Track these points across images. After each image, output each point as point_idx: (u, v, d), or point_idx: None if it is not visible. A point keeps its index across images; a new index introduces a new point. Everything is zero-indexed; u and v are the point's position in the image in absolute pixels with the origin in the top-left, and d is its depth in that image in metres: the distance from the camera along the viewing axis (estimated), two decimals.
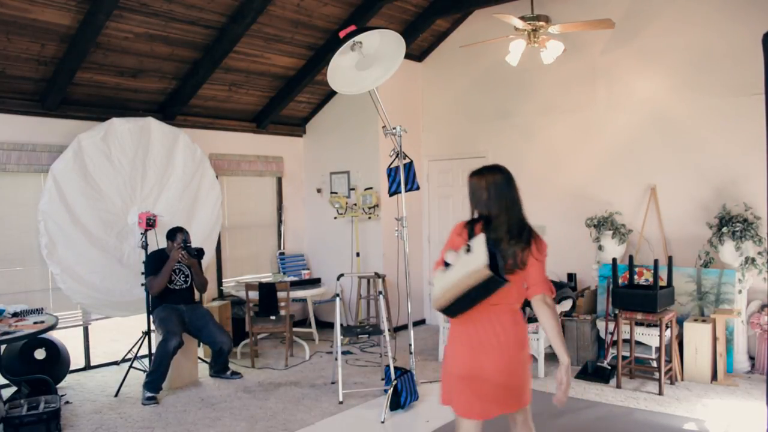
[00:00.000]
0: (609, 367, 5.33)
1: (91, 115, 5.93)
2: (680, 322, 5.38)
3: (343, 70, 4.48)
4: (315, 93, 7.56)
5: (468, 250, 2.49)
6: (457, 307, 2.53)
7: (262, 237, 7.74)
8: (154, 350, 5.30)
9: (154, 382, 5.06)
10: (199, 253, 5.59)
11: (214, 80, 6.39)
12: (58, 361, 5.42)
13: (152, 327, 5.53)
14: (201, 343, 5.88)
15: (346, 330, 5.61)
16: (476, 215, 2.71)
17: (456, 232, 2.69)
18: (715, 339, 5.16)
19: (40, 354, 5.29)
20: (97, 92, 5.91)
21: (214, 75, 6.26)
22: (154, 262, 5.41)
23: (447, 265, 2.55)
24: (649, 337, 5.29)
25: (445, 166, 7.66)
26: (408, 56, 6.92)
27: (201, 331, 5.50)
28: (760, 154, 4.16)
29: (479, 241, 2.47)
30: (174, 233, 5.54)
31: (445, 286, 2.52)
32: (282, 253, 7.78)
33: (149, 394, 5.02)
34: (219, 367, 5.68)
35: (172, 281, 5.49)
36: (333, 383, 5.28)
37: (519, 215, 2.66)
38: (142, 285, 5.48)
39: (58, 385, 5.34)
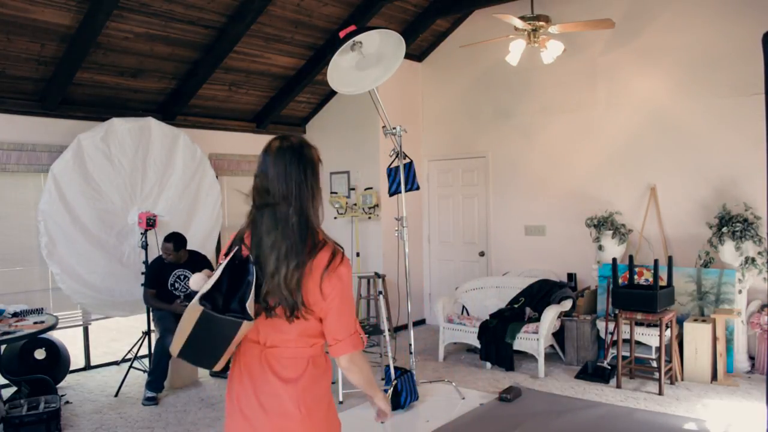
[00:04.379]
0: (609, 367, 5.33)
1: (91, 115, 5.93)
2: (680, 322, 5.37)
3: (343, 70, 4.48)
4: (315, 93, 7.56)
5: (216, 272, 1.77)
6: (192, 354, 1.77)
7: None
8: (153, 350, 5.31)
9: (155, 381, 5.06)
10: None
11: (214, 80, 6.39)
12: (58, 361, 5.42)
13: (152, 327, 5.53)
14: None
15: None
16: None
17: (225, 247, 1.88)
18: (715, 339, 5.16)
19: (40, 354, 5.29)
20: (97, 92, 5.91)
21: (214, 75, 6.26)
22: (152, 273, 5.38)
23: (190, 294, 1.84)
24: (649, 337, 5.29)
25: (445, 166, 7.66)
26: (408, 56, 6.92)
27: None
28: (760, 154, 4.16)
29: (225, 261, 1.78)
30: (176, 245, 5.32)
31: (179, 326, 1.77)
32: None
33: (150, 394, 5.03)
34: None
35: (176, 288, 5.45)
36: (333, 383, 5.27)
37: (293, 228, 1.72)
38: (142, 285, 5.48)
39: (58, 385, 5.34)
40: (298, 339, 1.79)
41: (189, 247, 5.59)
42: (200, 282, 1.79)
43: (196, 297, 1.71)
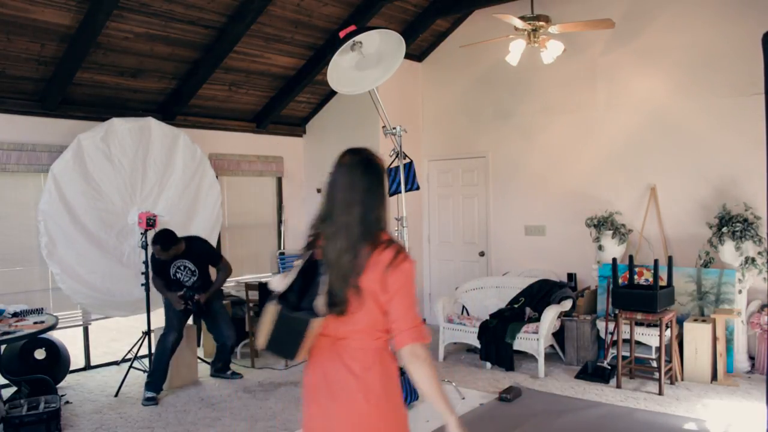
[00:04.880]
0: (609, 367, 5.33)
1: (91, 115, 5.93)
2: (680, 322, 5.37)
3: (343, 70, 4.48)
4: (315, 93, 7.56)
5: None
6: (275, 347, 1.93)
7: (262, 237, 7.74)
8: (154, 349, 5.30)
9: (154, 381, 5.06)
10: (197, 304, 5.30)
11: (214, 80, 6.39)
12: (58, 361, 5.42)
13: (152, 327, 5.53)
14: (201, 342, 5.88)
15: None
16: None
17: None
18: (715, 339, 5.16)
19: (40, 354, 5.29)
20: (97, 92, 5.91)
21: (214, 75, 6.26)
22: (154, 266, 5.35)
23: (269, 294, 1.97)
24: (649, 337, 5.29)
25: (445, 166, 7.66)
26: (408, 56, 6.91)
27: (211, 321, 5.53)
28: (760, 154, 4.15)
29: (299, 263, 1.94)
30: (164, 245, 5.13)
31: (260, 322, 1.93)
32: (282, 253, 7.78)
33: (149, 395, 5.02)
34: (221, 365, 5.68)
35: (179, 279, 5.38)
36: None
37: (358, 228, 1.88)
38: (142, 285, 5.48)
39: (58, 385, 5.33)
40: (364, 331, 1.91)
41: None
42: (278, 283, 1.95)
43: (273, 297, 1.90)
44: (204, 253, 5.50)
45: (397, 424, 1.97)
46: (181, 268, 5.40)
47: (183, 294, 5.26)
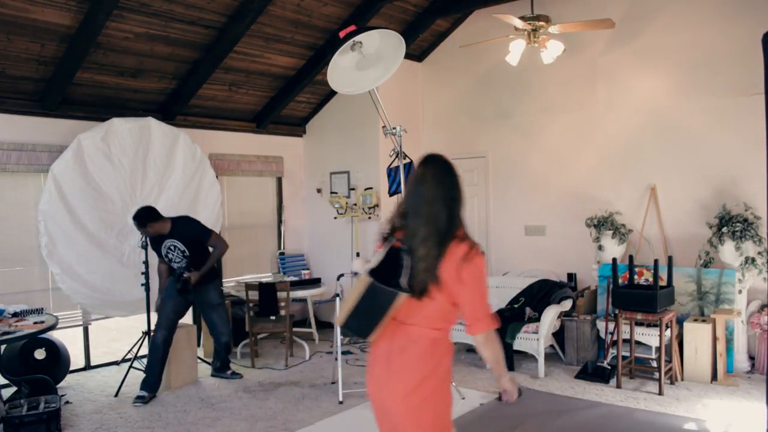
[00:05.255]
0: (609, 367, 5.33)
1: (91, 115, 5.93)
2: (680, 322, 5.37)
3: (343, 70, 4.48)
4: (315, 93, 7.56)
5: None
6: (355, 323, 2.19)
7: (262, 237, 7.74)
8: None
9: (146, 379, 5.07)
10: (185, 285, 5.15)
11: (214, 80, 6.39)
12: (58, 361, 5.42)
13: (152, 327, 5.52)
14: (201, 342, 5.87)
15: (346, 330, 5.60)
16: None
17: (377, 245, 2.31)
18: (715, 339, 5.16)
19: (40, 354, 5.29)
20: (97, 92, 5.91)
21: (214, 75, 6.26)
22: (152, 248, 5.32)
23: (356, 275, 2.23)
24: (649, 337, 5.29)
25: None
26: (408, 56, 6.91)
27: (205, 312, 5.49)
28: (760, 154, 4.15)
29: (382, 249, 2.21)
30: (140, 223, 5.05)
31: (344, 300, 2.26)
32: (282, 253, 7.78)
33: (140, 393, 5.03)
34: (219, 365, 5.67)
35: (170, 259, 5.28)
36: (333, 383, 5.28)
37: (438, 218, 2.14)
38: (142, 285, 5.47)
39: (58, 385, 5.33)
40: (429, 320, 2.16)
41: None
42: (360, 265, 2.25)
43: (365, 271, 2.16)
44: (191, 232, 5.25)
45: (444, 408, 2.23)
46: (172, 248, 5.24)
47: (177, 274, 5.18)
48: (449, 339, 2.27)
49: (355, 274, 2.24)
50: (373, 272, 2.15)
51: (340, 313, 2.23)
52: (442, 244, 2.11)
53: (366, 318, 2.17)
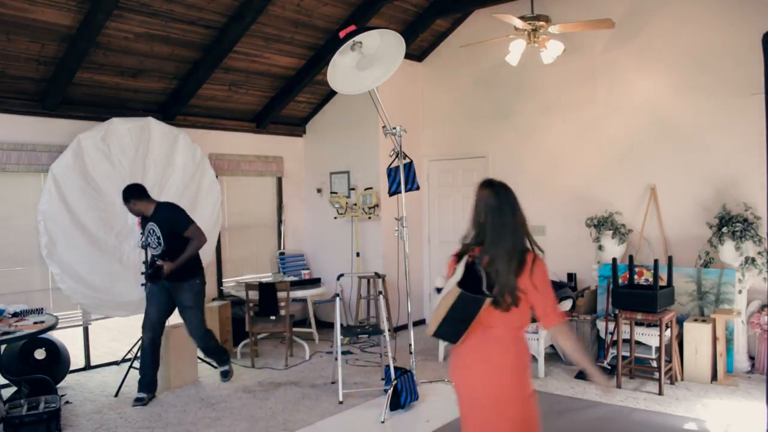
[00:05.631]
0: (609, 367, 5.33)
1: (91, 115, 5.93)
2: (680, 322, 5.37)
3: (343, 70, 4.48)
4: (315, 93, 7.56)
5: (455, 273, 2.52)
6: (445, 330, 2.51)
7: (262, 237, 7.74)
8: None
9: (141, 381, 5.05)
10: (156, 272, 4.98)
11: (214, 80, 6.39)
12: (58, 361, 5.42)
13: None
14: None
15: (346, 330, 5.61)
16: (472, 234, 2.61)
17: (450, 263, 2.66)
18: (715, 339, 5.16)
19: (40, 354, 5.29)
20: (97, 92, 5.91)
21: (214, 75, 6.26)
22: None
23: (439, 291, 2.59)
24: (649, 337, 5.29)
25: (445, 166, 7.66)
26: (408, 56, 6.92)
27: (182, 316, 5.18)
28: (760, 154, 4.15)
29: (462, 263, 2.51)
30: (123, 198, 5.02)
31: (433, 311, 2.55)
32: (282, 253, 7.78)
33: (137, 396, 5.01)
34: (214, 360, 5.50)
35: (148, 243, 5.09)
36: (333, 383, 5.28)
37: (513, 239, 2.50)
38: (142, 285, 5.48)
39: (58, 385, 5.33)
40: (509, 325, 2.50)
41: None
42: (442, 282, 2.47)
43: (454, 284, 2.45)
44: (169, 218, 5.00)
45: (525, 393, 2.54)
46: (150, 232, 5.01)
47: (150, 260, 5.04)
48: (525, 339, 2.64)
49: (438, 290, 2.55)
50: (460, 284, 2.44)
51: (431, 323, 2.53)
52: (519, 261, 2.46)
53: (456, 324, 2.48)
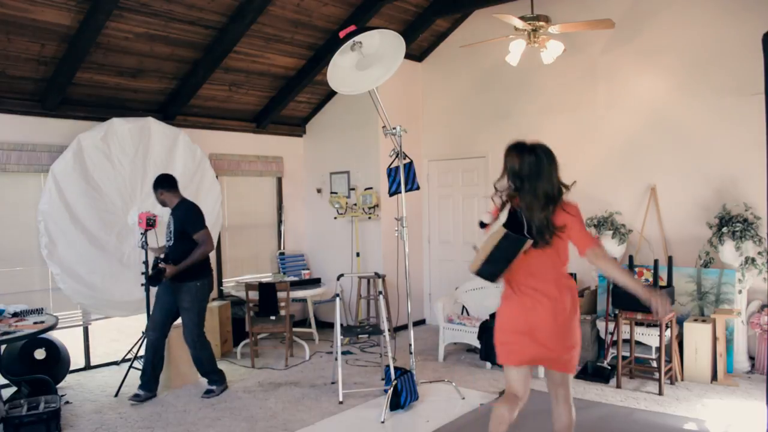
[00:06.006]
0: (609, 367, 5.33)
1: (91, 115, 5.93)
2: (680, 322, 5.38)
3: (343, 70, 4.48)
4: (315, 93, 7.56)
5: (498, 216, 2.86)
6: (487, 269, 2.86)
7: (262, 237, 7.74)
8: None
9: (141, 377, 5.07)
10: (158, 274, 4.93)
11: (214, 80, 6.39)
12: (58, 361, 5.42)
13: None
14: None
15: (346, 330, 5.61)
16: (510, 186, 2.96)
17: (494, 209, 3.03)
18: (715, 339, 5.16)
19: (40, 354, 5.29)
20: (97, 92, 5.91)
21: (214, 75, 6.26)
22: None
23: (482, 225, 2.94)
24: (649, 337, 5.29)
25: (445, 166, 7.66)
26: (408, 56, 6.92)
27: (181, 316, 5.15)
28: (760, 154, 4.15)
29: (505, 210, 2.84)
30: (153, 185, 5.13)
31: (477, 251, 2.88)
32: (282, 253, 7.78)
33: (136, 392, 5.03)
34: (199, 372, 5.33)
35: (166, 234, 5.12)
36: (333, 383, 5.28)
37: (547, 188, 2.89)
38: (142, 285, 5.48)
39: (58, 385, 5.33)
40: (554, 269, 2.92)
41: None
42: (488, 217, 2.92)
43: (499, 225, 2.79)
44: (183, 216, 5.03)
45: (578, 329, 2.99)
46: (169, 224, 5.10)
47: (153, 262, 5.04)
48: (570, 278, 3.04)
49: (482, 223, 2.92)
50: (505, 225, 2.75)
51: (475, 261, 2.87)
52: (555, 204, 2.88)
53: (498, 264, 2.83)
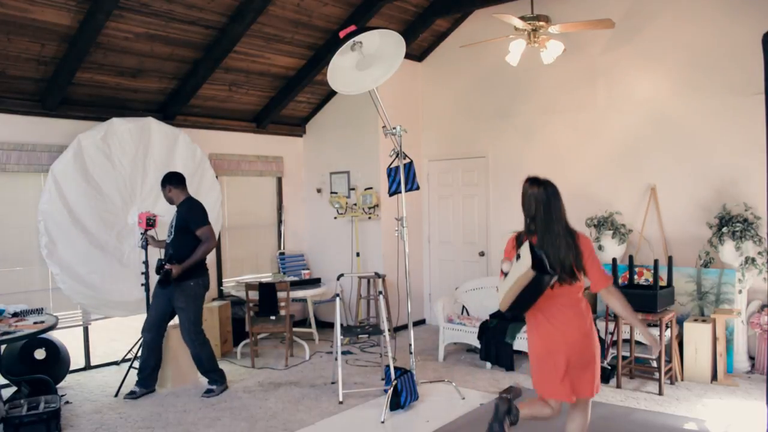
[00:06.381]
0: (609, 367, 5.32)
1: (91, 115, 5.93)
2: (680, 322, 5.37)
3: (343, 70, 4.48)
4: (315, 93, 7.56)
5: (518, 257, 2.95)
6: (518, 306, 3.01)
7: (262, 237, 7.74)
8: None
9: (138, 375, 5.09)
10: (166, 276, 4.96)
11: (214, 80, 6.39)
12: (58, 361, 5.42)
13: None
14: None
15: (346, 330, 5.61)
16: (527, 222, 3.14)
17: (510, 245, 3.20)
18: (715, 339, 5.16)
19: (40, 354, 5.29)
20: (97, 92, 5.91)
21: (214, 75, 6.26)
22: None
23: (505, 274, 3.03)
24: None
25: (445, 166, 7.66)
26: (408, 56, 6.91)
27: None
28: (760, 154, 4.15)
29: (525, 248, 2.92)
30: (161, 182, 5.22)
31: (504, 291, 3.00)
32: (282, 253, 7.78)
33: (133, 389, 5.07)
34: (199, 371, 5.35)
35: (168, 229, 5.18)
36: (333, 383, 5.28)
37: (562, 224, 3.07)
38: (142, 285, 5.48)
39: (58, 385, 5.34)
40: (573, 293, 3.09)
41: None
42: (507, 266, 3.02)
43: (527, 267, 2.85)
44: (186, 212, 5.08)
45: (594, 331, 3.18)
46: (173, 220, 5.16)
47: (157, 263, 5.04)
48: (585, 299, 3.20)
49: (506, 274, 3.02)
50: (533, 266, 2.84)
51: (503, 301, 3.04)
52: (574, 240, 3.05)
53: (527, 302, 2.98)
